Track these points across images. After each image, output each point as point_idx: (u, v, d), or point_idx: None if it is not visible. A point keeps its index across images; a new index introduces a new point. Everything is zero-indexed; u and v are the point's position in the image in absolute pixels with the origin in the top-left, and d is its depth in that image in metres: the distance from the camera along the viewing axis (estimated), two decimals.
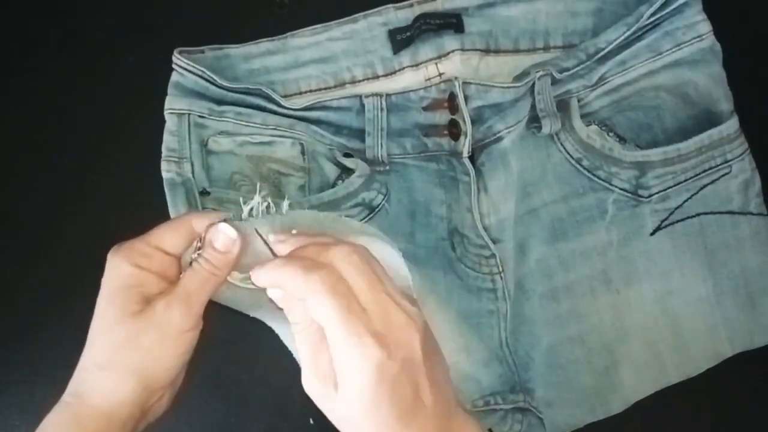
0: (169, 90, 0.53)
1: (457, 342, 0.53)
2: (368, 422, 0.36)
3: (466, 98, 0.53)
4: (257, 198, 0.41)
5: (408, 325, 0.37)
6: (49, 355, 0.54)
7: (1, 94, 0.58)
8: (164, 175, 0.51)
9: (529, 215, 0.56)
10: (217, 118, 0.53)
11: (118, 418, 0.39)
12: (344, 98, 0.54)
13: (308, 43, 0.56)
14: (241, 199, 0.41)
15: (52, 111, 0.58)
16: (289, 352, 0.47)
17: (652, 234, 0.56)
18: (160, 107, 0.52)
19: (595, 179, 0.56)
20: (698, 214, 0.56)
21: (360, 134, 0.55)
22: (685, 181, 0.55)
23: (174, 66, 0.52)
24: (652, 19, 0.54)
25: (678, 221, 0.56)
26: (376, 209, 0.54)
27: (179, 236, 0.41)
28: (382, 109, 0.54)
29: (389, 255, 0.43)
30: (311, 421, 0.54)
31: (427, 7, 0.57)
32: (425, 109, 0.55)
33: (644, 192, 0.55)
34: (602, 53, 0.54)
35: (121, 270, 0.40)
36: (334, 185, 0.55)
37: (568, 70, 0.54)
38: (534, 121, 0.55)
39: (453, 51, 0.57)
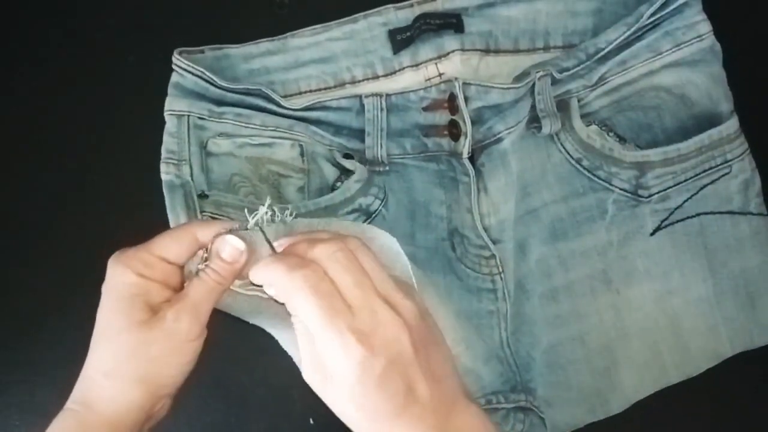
0: (169, 90, 0.53)
1: (456, 335, 0.53)
2: (362, 415, 0.36)
3: (466, 99, 0.53)
4: (263, 209, 0.41)
5: (395, 322, 0.36)
6: (49, 355, 0.54)
7: (1, 94, 0.58)
8: (163, 177, 0.51)
9: (529, 215, 0.56)
10: (217, 120, 0.53)
11: (124, 426, 0.39)
12: (344, 98, 0.54)
13: (308, 43, 0.56)
14: (246, 210, 0.41)
15: (52, 111, 0.58)
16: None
17: (652, 234, 0.56)
18: (160, 107, 0.52)
19: (595, 179, 0.56)
20: (698, 214, 0.56)
21: (360, 134, 0.55)
22: (685, 181, 0.55)
23: (174, 66, 0.52)
24: (652, 19, 0.54)
25: (678, 221, 0.56)
26: (373, 215, 0.54)
27: (183, 246, 0.41)
28: (381, 110, 0.54)
29: (388, 242, 0.42)
30: (311, 422, 0.54)
31: (427, 7, 0.57)
32: (425, 109, 0.55)
33: (644, 192, 0.55)
34: (602, 53, 0.54)
35: (124, 279, 0.40)
36: (333, 187, 0.55)
37: (568, 70, 0.54)
38: (534, 121, 0.55)
39: (453, 51, 0.57)
